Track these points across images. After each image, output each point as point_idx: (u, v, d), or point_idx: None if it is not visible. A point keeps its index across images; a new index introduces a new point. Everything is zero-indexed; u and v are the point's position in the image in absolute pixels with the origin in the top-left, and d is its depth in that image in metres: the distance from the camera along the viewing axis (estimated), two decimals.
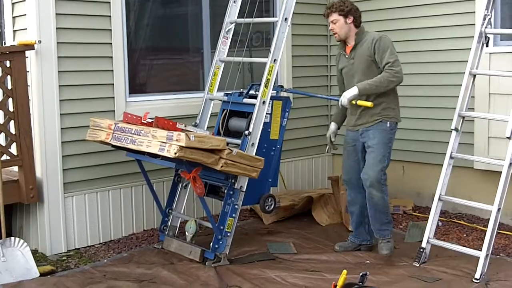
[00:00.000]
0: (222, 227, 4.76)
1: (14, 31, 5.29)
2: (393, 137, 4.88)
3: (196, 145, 4.21)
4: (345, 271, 3.72)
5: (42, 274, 4.59)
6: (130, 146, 4.48)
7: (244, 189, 4.81)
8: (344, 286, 3.70)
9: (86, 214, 5.33)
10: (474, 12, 5.63)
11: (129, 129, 4.51)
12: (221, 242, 4.75)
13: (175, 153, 4.12)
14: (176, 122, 4.65)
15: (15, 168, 5.12)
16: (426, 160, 6.25)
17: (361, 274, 3.78)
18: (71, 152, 5.20)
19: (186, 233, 5.03)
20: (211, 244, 4.78)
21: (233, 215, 4.79)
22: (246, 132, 4.81)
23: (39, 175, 5.07)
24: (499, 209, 4.49)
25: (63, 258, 5.08)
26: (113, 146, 4.74)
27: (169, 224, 5.25)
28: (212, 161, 4.34)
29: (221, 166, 4.38)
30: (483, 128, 5.66)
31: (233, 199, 4.77)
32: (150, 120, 4.67)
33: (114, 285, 4.35)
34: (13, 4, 5.26)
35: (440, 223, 5.69)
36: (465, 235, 5.45)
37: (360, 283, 3.74)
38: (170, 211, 5.25)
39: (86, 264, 4.92)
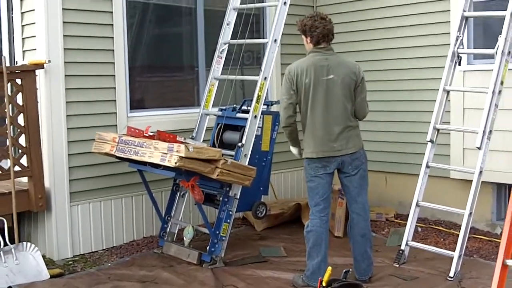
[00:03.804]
0: (217, 232, 5.16)
1: (24, 51, 5.68)
2: (312, 172, 4.61)
3: (195, 155, 4.63)
4: (330, 268, 4.12)
5: (51, 276, 4.96)
6: (134, 157, 4.88)
7: (238, 197, 5.22)
8: (329, 281, 4.11)
9: (91, 221, 5.70)
10: (449, 33, 6.08)
11: (133, 142, 4.91)
12: (217, 246, 5.15)
13: (176, 163, 4.53)
14: (176, 135, 5.06)
15: (23, 179, 5.49)
16: (407, 171, 6.67)
17: (344, 270, 4.18)
18: (77, 163, 5.58)
19: (184, 238, 5.42)
20: (207, 248, 5.18)
21: (228, 220, 5.19)
22: (240, 144, 5.24)
23: (47, 185, 5.44)
24: (470, 213, 4.92)
25: (70, 262, 5.45)
26: (117, 157, 5.13)
27: (168, 230, 5.65)
28: (209, 170, 4.75)
29: (217, 175, 4.79)
30: (459, 140, 6.11)
31: (227, 206, 5.18)
32: (151, 134, 5.08)
33: (119, 285, 4.74)
34: (23, 26, 5.65)
35: (419, 229, 6.13)
36: (442, 239, 5.88)
37: (344, 279, 4.15)
38: (169, 218, 5.65)
39: (91, 267, 5.29)
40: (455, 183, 6.19)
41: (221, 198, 5.24)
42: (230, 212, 5.20)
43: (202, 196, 5.00)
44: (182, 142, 4.88)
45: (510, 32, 4.99)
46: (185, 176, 4.85)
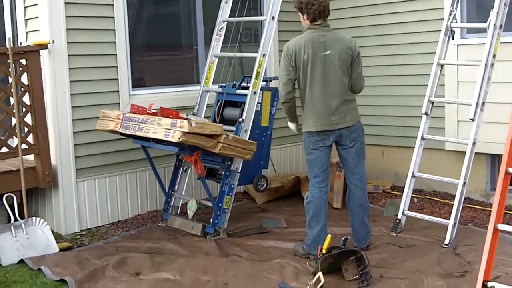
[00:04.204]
0: (220, 204, 5.33)
1: (27, 32, 5.81)
2: (311, 145, 4.78)
3: (197, 130, 4.78)
4: (329, 236, 4.34)
5: (61, 250, 5.15)
6: (138, 133, 5.03)
7: (239, 170, 5.39)
8: (329, 248, 4.30)
9: (96, 197, 5.87)
10: (443, 8, 6.20)
11: (136, 118, 5.06)
12: (220, 218, 5.33)
13: (179, 138, 4.69)
14: (179, 111, 5.20)
15: (30, 157, 5.64)
16: (403, 144, 6.84)
17: (343, 238, 4.37)
18: (82, 141, 5.73)
19: (188, 211, 5.60)
20: (211, 220, 5.36)
21: (230, 193, 5.37)
22: (240, 119, 5.39)
23: (54, 162, 5.60)
24: (464, 182, 5.10)
25: (77, 236, 5.63)
26: (121, 134, 5.28)
27: (172, 204, 5.83)
28: (211, 145, 4.91)
29: (219, 149, 4.95)
30: (453, 113, 6.27)
31: (229, 179, 5.35)
32: (154, 111, 5.22)
33: (127, 256, 4.91)
34: (25, 8, 5.77)
35: (415, 200, 6.31)
36: (437, 209, 6.07)
37: (343, 246, 4.34)
38: (172, 192, 5.82)
39: (98, 241, 5.47)
40: (450, 155, 6.36)
41: (223, 172, 5.41)
42: (232, 185, 5.37)
43: (204, 170, 5.17)
44: (185, 118, 5.03)
45: (502, 6, 5.12)
46: (188, 151, 5.00)
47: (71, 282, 4.38)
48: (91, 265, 4.74)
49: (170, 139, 4.76)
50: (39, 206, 5.85)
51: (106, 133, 5.55)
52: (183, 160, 5.67)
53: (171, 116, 4.97)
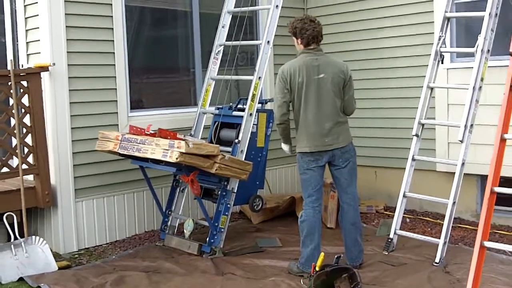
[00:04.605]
0: (216, 224, 5.45)
1: (28, 54, 5.96)
2: (305, 165, 4.92)
3: (194, 151, 4.91)
4: (322, 254, 4.45)
5: (59, 268, 5.24)
6: (136, 154, 5.16)
7: (235, 190, 5.52)
8: (322, 266, 4.41)
9: (95, 217, 5.98)
10: (433, 33, 6.39)
11: (135, 139, 5.20)
12: (216, 237, 5.45)
13: (177, 158, 4.82)
14: (176, 133, 5.34)
15: (30, 177, 5.75)
16: (396, 165, 6.96)
17: (336, 256, 4.49)
18: (81, 161, 5.86)
19: (185, 230, 5.72)
20: (207, 239, 5.47)
21: (226, 213, 5.49)
22: (236, 140, 5.53)
23: (53, 182, 5.72)
24: (454, 202, 5.24)
25: (75, 256, 5.72)
26: (120, 154, 5.41)
27: (169, 224, 5.94)
28: (208, 165, 5.04)
29: (216, 170, 5.08)
30: (443, 135, 6.43)
31: (226, 199, 5.47)
32: (152, 132, 5.35)
33: (125, 275, 5.01)
34: (26, 31, 5.93)
35: (407, 220, 6.44)
36: (429, 229, 6.19)
37: (336, 264, 4.45)
38: (169, 212, 5.94)
39: (96, 260, 5.57)
40: (442, 176, 6.50)
41: (219, 193, 5.53)
42: (228, 205, 5.49)
43: (200, 191, 5.30)
44: (182, 139, 5.16)
45: (489, 31, 5.31)
46: (185, 171, 5.13)
47: None
48: (89, 283, 4.83)
49: (168, 159, 4.89)
50: (38, 225, 5.95)
51: (104, 154, 5.68)
52: (180, 181, 5.79)
53: (169, 137, 5.11)
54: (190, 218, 5.82)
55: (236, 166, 5.25)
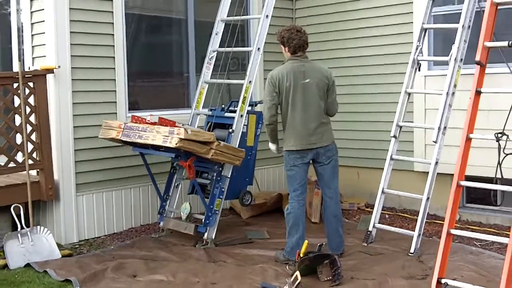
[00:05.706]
0: (212, 206, 5.86)
1: (33, 58, 6.36)
2: (291, 162, 5.35)
3: (193, 137, 5.32)
4: (306, 241, 4.89)
5: (62, 256, 5.63)
6: (138, 140, 5.54)
7: (229, 176, 5.92)
8: (306, 253, 4.84)
9: (94, 210, 6.38)
10: (412, 42, 6.83)
11: (137, 127, 5.59)
12: (211, 219, 5.85)
13: (176, 144, 5.21)
14: (175, 121, 5.74)
15: (33, 172, 6.14)
16: (377, 166, 7.35)
17: (318, 244, 4.93)
18: (83, 158, 6.26)
19: (181, 213, 6.08)
20: (203, 220, 5.87)
21: (221, 196, 5.91)
22: (230, 130, 5.96)
23: (56, 177, 6.11)
24: (428, 198, 5.69)
25: (76, 246, 6.11)
26: (122, 141, 5.79)
27: (166, 208, 6.33)
28: (204, 151, 5.44)
29: (212, 155, 5.48)
30: (421, 137, 6.89)
31: (220, 183, 5.90)
32: (153, 121, 5.72)
33: (124, 262, 5.41)
34: (32, 35, 6.33)
35: (387, 216, 6.89)
36: (406, 224, 6.65)
37: (318, 251, 4.89)
38: (167, 197, 6.34)
39: (96, 250, 5.96)
40: (419, 176, 6.94)
41: (214, 177, 5.93)
42: (223, 189, 5.91)
43: (195, 174, 5.73)
44: (181, 127, 5.54)
45: (462, 41, 5.78)
46: (183, 156, 5.52)
47: (76, 281, 4.87)
48: (91, 268, 5.23)
49: (168, 144, 5.27)
50: (41, 217, 6.33)
51: (105, 151, 6.10)
52: (177, 168, 6.18)
53: (168, 125, 5.48)
54: (187, 202, 6.15)
55: (230, 152, 5.66)
